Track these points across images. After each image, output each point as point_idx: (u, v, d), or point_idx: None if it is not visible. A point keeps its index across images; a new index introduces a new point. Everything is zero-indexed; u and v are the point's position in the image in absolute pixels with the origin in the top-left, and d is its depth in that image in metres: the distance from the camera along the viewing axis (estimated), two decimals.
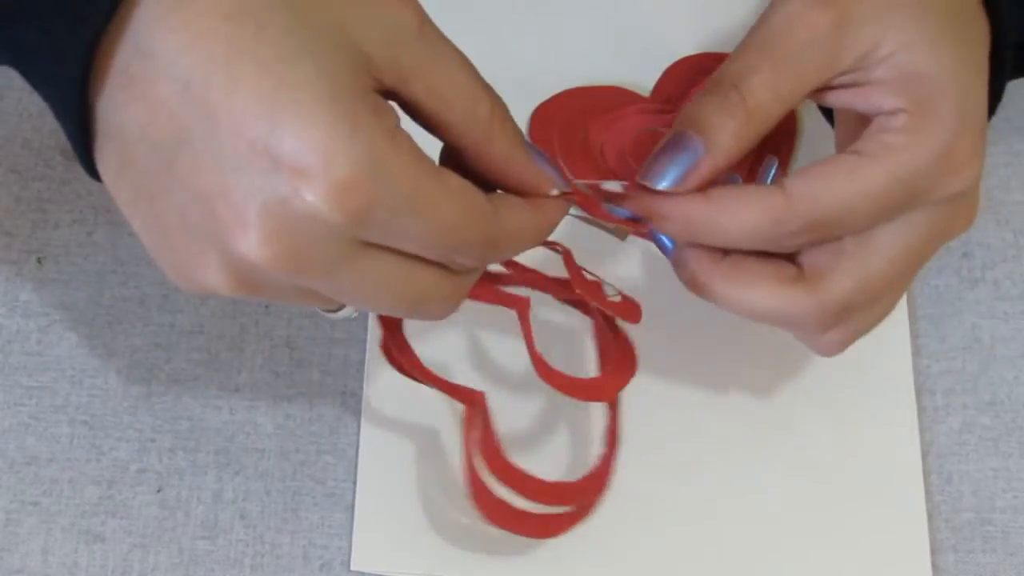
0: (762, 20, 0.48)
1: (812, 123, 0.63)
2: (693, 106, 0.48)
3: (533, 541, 0.55)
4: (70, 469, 0.56)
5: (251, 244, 0.41)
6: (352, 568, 0.55)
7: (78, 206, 0.61)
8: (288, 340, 0.59)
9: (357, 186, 0.40)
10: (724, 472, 0.57)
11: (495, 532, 0.55)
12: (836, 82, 0.48)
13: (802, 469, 0.57)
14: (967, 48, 0.48)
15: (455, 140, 0.45)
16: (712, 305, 0.57)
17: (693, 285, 0.49)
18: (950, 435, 0.58)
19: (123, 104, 0.42)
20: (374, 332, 0.58)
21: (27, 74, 0.45)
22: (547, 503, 0.52)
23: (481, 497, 0.52)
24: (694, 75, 0.63)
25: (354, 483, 0.56)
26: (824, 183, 0.47)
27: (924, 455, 0.58)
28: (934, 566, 0.56)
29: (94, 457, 0.56)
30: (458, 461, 0.56)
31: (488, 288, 0.52)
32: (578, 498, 0.53)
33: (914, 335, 0.60)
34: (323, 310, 0.48)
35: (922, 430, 0.58)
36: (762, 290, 0.48)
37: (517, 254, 0.47)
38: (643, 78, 0.64)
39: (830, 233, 0.47)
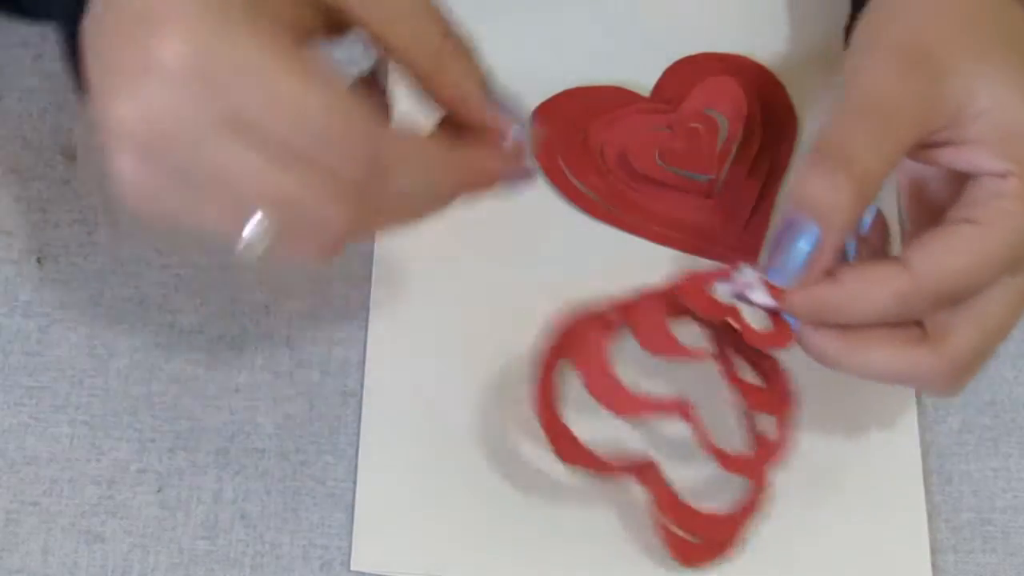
0: (850, 84, 0.48)
1: (813, 123, 0.63)
2: (800, 184, 0.47)
3: (533, 541, 0.55)
4: (70, 469, 0.56)
5: (120, 110, 0.42)
6: (352, 568, 0.55)
7: (78, 206, 0.61)
8: (288, 340, 0.59)
9: (217, 53, 0.41)
10: (723, 472, 0.57)
11: (495, 532, 0.55)
12: (932, 139, 0.48)
13: (802, 469, 0.57)
14: None
15: (406, 68, 0.45)
16: None
17: (822, 360, 0.50)
18: (950, 435, 0.58)
19: None
20: (374, 332, 0.59)
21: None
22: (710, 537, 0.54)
23: (679, 547, 0.54)
24: (694, 75, 0.63)
25: (354, 483, 0.56)
26: (948, 258, 0.48)
27: (924, 455, 0.58)
28: (934, 566, 0.56)
29: (94, 457, 0.56)
30: (458, 461, 0.56)
31: (639, 401, 0.52)
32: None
33: None
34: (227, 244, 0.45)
35: (922, 430, 0.58)
36: (891, 356, 0.50)
37: (422, 188, 0.45)
38: (643, 78, 0.64)
39: (955, 301, 0.49)
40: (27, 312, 0.59)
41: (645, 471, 0.54)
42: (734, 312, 0.51)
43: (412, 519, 0.56)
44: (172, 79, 0.41)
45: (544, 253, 0.61)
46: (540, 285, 0.60)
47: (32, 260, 0.60)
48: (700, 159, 0.60)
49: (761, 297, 0.50)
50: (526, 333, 0.59)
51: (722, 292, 0.51)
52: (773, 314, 0.51)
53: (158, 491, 0.56)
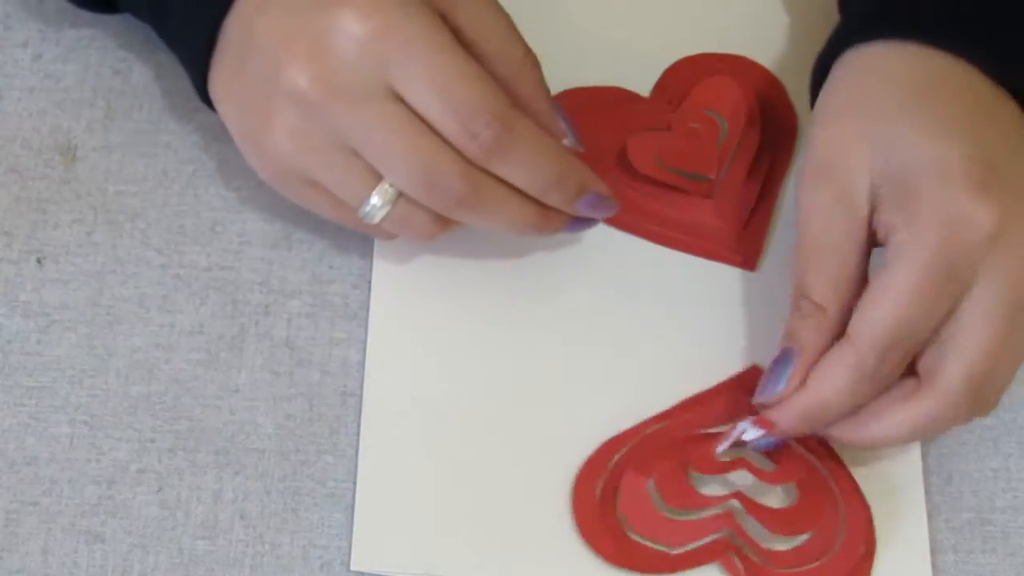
0: (795, 221, 0.55)
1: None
2: (787, 325, 0.54)
3: (532, 541, 0.55)
4: (70, 469, 0.56)
5: (294, 72, 0.51)
6: (352, 568, 0.55)
7: (78, 206, 0.61)
8: (288, 340, 0.59)
9: (393, 28, 0.50)
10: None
11: (495, 532, 0.55)
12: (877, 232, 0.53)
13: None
14: (941, 114, 0.53)
15: (489, 69, 0.52)
16: (705, 312, 0.58)
17: (844, 443, 0.55)
18: (950, 435, 0.58)
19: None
20: (374, 332, 0.58)
21: (167, 23, 0.56)
22: None
23: None
24: (694, 75, 0.63)
25: (354, 483, 0.56)
26: (872, 311, 0.51)
27: (924, 455, 0.58)
28: (934, 566, 0.56)
29: (94, 457, 0.56)
30: (458, 461, 0.56)
31: (688, 529, 0.55)
32: None
33: None
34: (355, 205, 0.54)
35: None
36: (896, 416, 0.53)
37: (529, 165, 0.53)
38: (643, 78, 0.64)
39: (912, 343, 0.52)
40: (27, 312, 0.59)
41: (720, 552, 0.55)
42: (744, 463, 0.55)
43: (412, 519, 0.55)
44: (352, 45, 0.51)
45: (544, 253, 0.61)
46: (540, 286, 0.60)
47: (32, 260, 0.60)
48: (700, 159, 0.60)
49: (753, 433, 0.54)
50: (526, 333, 0.59)
51: (722, 448, 0.55)
52: (777, 449, 0.55)
53: (158, 491, 0.56)
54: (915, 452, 0.58)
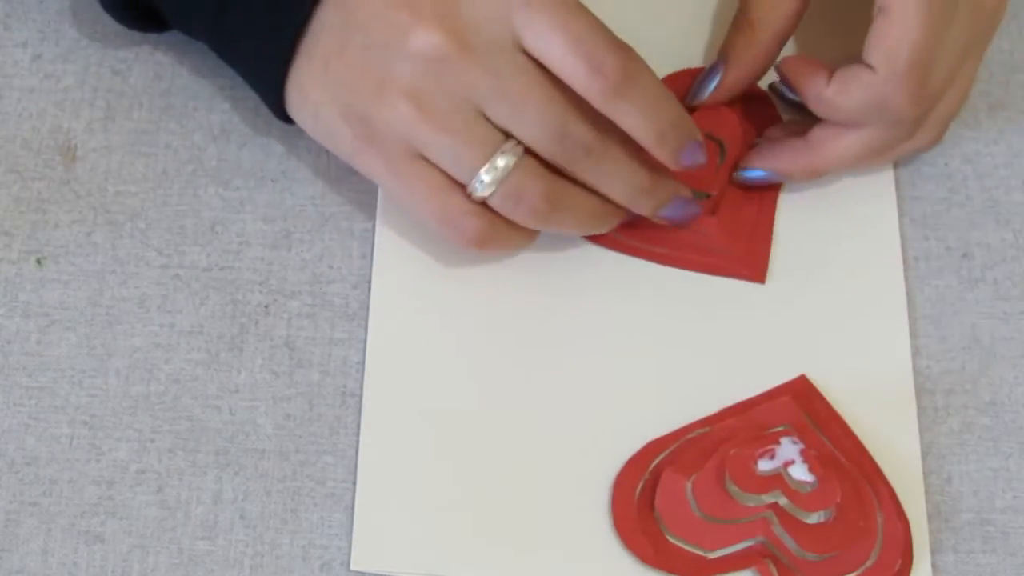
0: None
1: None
2: (725, 39, 0.60)
3: (532, 541, 0.55)
4: (70, 469, 0.56)
5: (425, 31, 0.52)
6: (352, 568, 0.55)
7: (78, 206, 0.61)
8: (288, 340, 0.59)
9: None
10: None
11: (495, 532, 0.55)
12: None
13: None
14: None
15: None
16: (702, 311, 0.58)
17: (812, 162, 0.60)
18: (950, 435, 0.58)
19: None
20: (374, 332, 0.58)
21: (229, 30, 0.57)
22: None
23: None
24: (681, 91, 0.62)
25: (354, 483, 0.56)
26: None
27: (924, 455, 0.58)
28: (934, 566, 0.56)
29: (94, 457, 0.56)
30: (458, 461, 0.56)
31: (725, 534, 0.55)
32: None
33: (914, 335, 0.60)
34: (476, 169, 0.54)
35: (922, 430, 0.58)
36: (849, 99, 0.57)
37: (651, 103, 0.54)
38: None
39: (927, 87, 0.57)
40: (27, 312, 0.59)
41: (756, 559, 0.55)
42: (780, 483, 0.55)
43: (412, 519, 0.55)
44: (479, 1, 0.53)
45: (544, 255, 0.61)
46: (540, 287, 0.60)
47: (32, 260, 0.60)
48: (703, 177, 0.60)
49: (802, 474, 0.54)
50: (526, 332, 0.59)
51: (764, 467, 0.55)
52: (817, 475, 0.55)
53: (158, 491, 0.56)
54: (915, 452, 0.58)
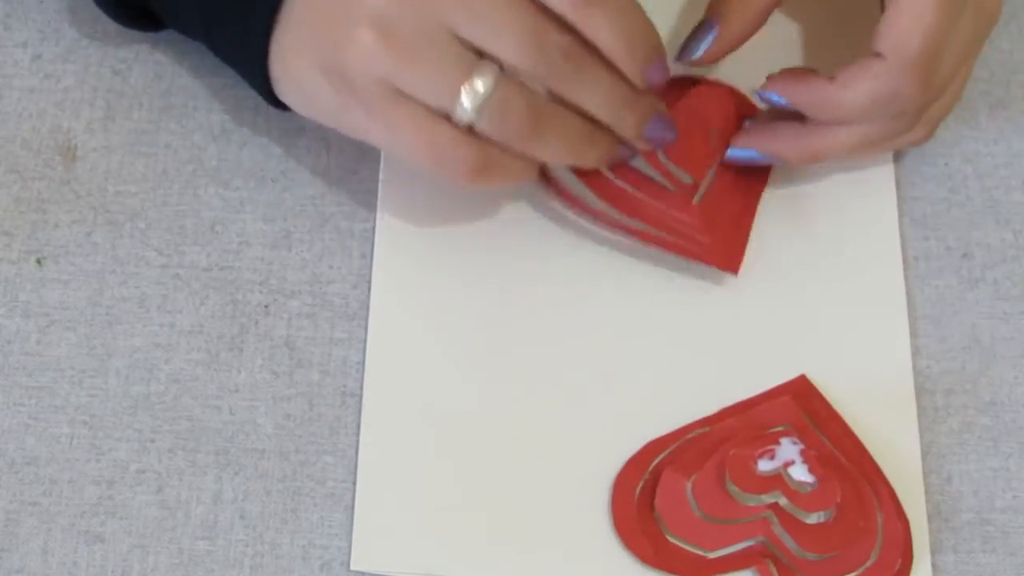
0: None
1: None
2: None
3: (532, 542, 0.55)
4: (70, 469, 0.56)
5: None
6: (352, 568, 0.55)
7: (78, 206, 0.61)
8: (288, 340, 0.59)
9: None
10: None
11: (495, 532, 0.55)
12: None
13: None
14: None
15: None
16: (702, 311, 0.58)
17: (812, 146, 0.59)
18: (950, 435, 0.58)
19: None
20: (374, 332, 0.59)
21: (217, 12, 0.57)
22: None
23: None
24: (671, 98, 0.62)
25: (354, 483, 0.56)
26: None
27: (924, 455, 0.58)
28: (934, 566, 0.56)
29: (94, 457, 0.56)
30: (458, 461, 0.56)
31: (725, 533, 0.55)
32: None
33: (914, 335, 0.60)
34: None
35: (922, 430, 0.58)
36: (859, 88, 0.56)
37: (624, 13, 0.54)
38: None
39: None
40: (27, 312, 0.59)
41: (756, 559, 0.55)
42: (780, 483, 0.55)
43: (412, 519, 0.55)
44: None
45: (543, 255, 0.61)
46: (539, 285, 0.60)
47: (32, 260, 0.60)
48: (689, 154, 0.59)
49: (802, 474, 0.54)
50: (526, 333, 0.59)
51: (764, 468, 0.55)
52: (817, 476, 0.55)
53: (158, 491, 0.56)
54: (915, 452, 0.58)
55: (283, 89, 0.57)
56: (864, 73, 0.56)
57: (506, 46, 0.52)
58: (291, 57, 0.55)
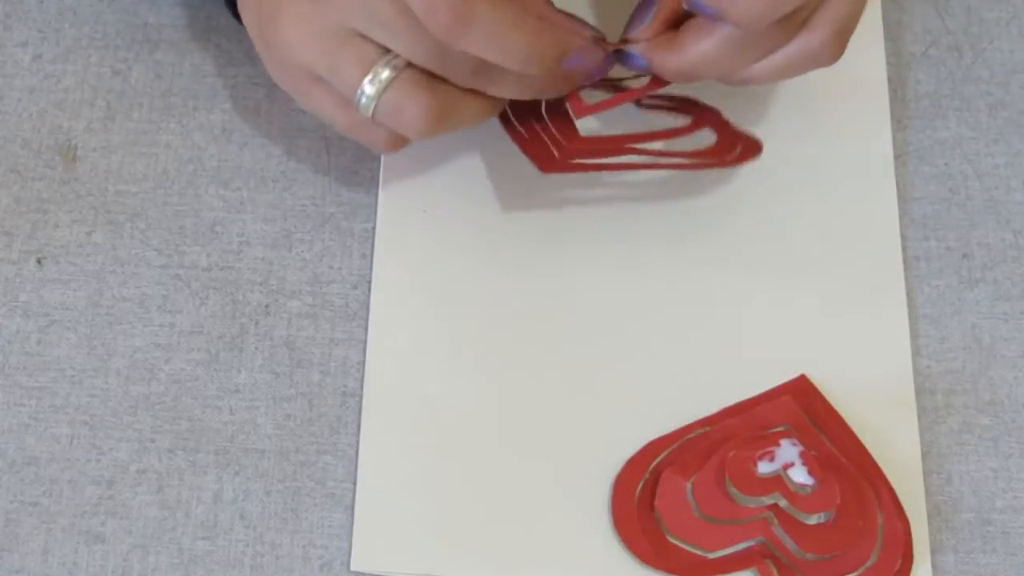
0: None
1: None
2: None
3: (532, 542, 0.55)
4: (70, 469, 0.56)
5: None
6: (352, 568, 0.55)
7: (78, 206, 0.61)
8: (288, 340, 0.59)
9: None
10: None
11: (495, 532, 0.55)
12: None
13: None
14: None
15: None
16: (703, 310, 0.58)
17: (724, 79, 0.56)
18: (950, 435, 0.58)
19: None
20: (374, 332, 0.59)
21: None
22: None
23: None
24: None
25: (354, 483, 0.56)
26: None
27: (924, 455, 0.58)
28: (934, 566, 0.56)
29: (94, 457, 0.56)
30: (458, 461, 0.56)
31: (725, 534, 0.55)
32: None
33: (914, 335, 0.60)
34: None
35: (922, 430, 0.58)
36: (788, 50, 0.55)
37: (499, 45, 0.52)
38: None
39: None
40: (27, 312, 0.59)
41: (756, 559, 0.55)
42: (780, 485, 0.55)
43: (412, 519, 0.55)
44: None
45: (544, 254, 0.61)
46: (540, 285, 0.60)
47: (32, 260, 0.60)
48: None
49: (802, 476, 0.54)
50: (526, 332, 0.59)
51: (764, 469, 0.55)
52: (816, 478, 0.55)
53: (158, 491, 0.56)
54: (915, 452, 0.58)
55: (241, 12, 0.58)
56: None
57: (407, 52, 0.54)
58: (242, 6, 0.57)
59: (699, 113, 0.60)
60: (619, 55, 0.57)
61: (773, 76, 0.56)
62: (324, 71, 0.55)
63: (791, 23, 0.54)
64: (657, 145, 0.60)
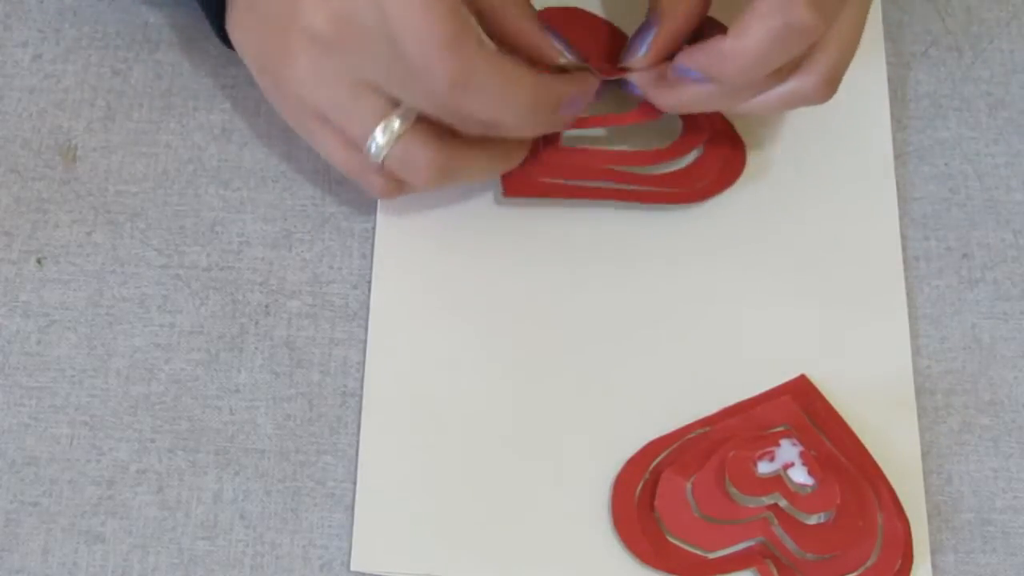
0: None
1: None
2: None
3: (533, 542, 0.55)
4: (70, 469, 0.56)
5: (311, 12, 0.53)
6: (352, 568, 0.55)
7: (78, 206, 0.61)
8: (288, 340, 0.59)
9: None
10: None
11: (495, 532, 0.55)
12: None
13: None
14: None
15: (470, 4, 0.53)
16: (702, 310, 0.58)
17: (733, 100, 0.57)
18: (950, 435, 0.58)
19: None
20: (374, 332, 0.59)
21: None
22: None
23: None
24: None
25: (354, 483, 0.56)
26: None
27: (924, 455, 0.58)
28: (934, 566, 0.56)
29: (94, 457, 0.56)
30: (458, 461, 0.56)
31: (725, 534, 0.56)
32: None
33: (914, 335, 0.60)
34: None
35: (922, 430, 0.58)
36: (782, 88, 0.56)
37: (500, 103, 0.53)
38: None
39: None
40: (27, 312, 0.59)
41: (756, 559, 0.55)
42: (780, 485, 0.55)
43: (412, 519, 0.55)
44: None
45: (544, 254, 0.61)
46: (540, 285, 0.60)
47: (32, 260, 0.60)
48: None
49: (802, 476, 0.55)
50: (526, 333, 0.59)
51: (764, 470, 0.55)
52: (816, 478, 0.55)
53: (158, 491, 0.56)
54: (915, 452, 0.58)
55: (234, 42, 0.58)
56: (752, 15, 0.54)
57: (419, 105, 0.54)
58: (234, 31, 0.57)
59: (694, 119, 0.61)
60: (617, 80, 0.58)
61: (767, 111, 0.58)
62: (334, 116, 0.55)
63: (783, 70, 0.55)
64: (641, 169, 0.60)
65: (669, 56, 0.57)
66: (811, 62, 0.56)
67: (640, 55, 0.58)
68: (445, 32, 0.51)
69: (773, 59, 0.54)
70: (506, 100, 0.54)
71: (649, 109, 0.59)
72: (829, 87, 0.56)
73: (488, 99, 0.53)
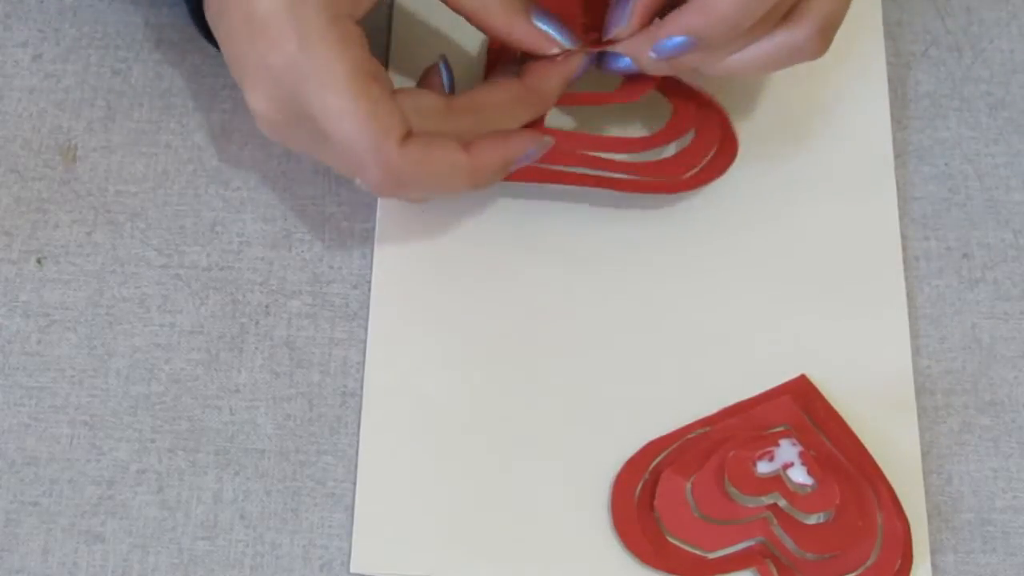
0: None
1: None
2: None
3: (533, 542, 0.55)
4: (70, 469, 0.56)
5: (252, 95, 0.53)
6: (352, 569, 0.55)
7: (78, 206, 0.61)
8: (288, 340, 0.59)
9: (296, 59, 0.52)
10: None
11: (495, 533, 0.55)
12: None
13: None
14: None
15: (453, 5, 0.54)
16: (702, 310, 0.58)
17: (704, 71, 0.56)
18: (950, 435, 0.58)
19: None
20: (374, 332, 0.59)
21: None
22: None
23: None
24: None
25: (354, 483, 0.56)
26: None
27: (924, 455, 0.58)
28: (934, 566, 0.56)
29: (94, 457, 0.56)
30: (458, 462, 0.56)
31: (724, 535, 0.56)
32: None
33: (914, 335, 0.60)
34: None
35: (922, 430, 0.58)
36: (771, 41, 0.55)
37: (439, 190, 0.55)
38: None
39: None
40: (27, 312, 0.59)
41: (756, 559, 0.55)
42: (779, 485, 0.55)
43: (412, 519, 0.55)
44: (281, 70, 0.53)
45: (544, 254, 0.61)
46: (540, 285, 0.60)
47: (32, 260, 0.60)
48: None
49: (801, 476, 0.55)
50: (526, 332, 0.59)
51: (763, 469, 0.55)
52: (816, 478, 0.55)
53: (158, 491, 0.56)
54: (915, 452, 0.58)
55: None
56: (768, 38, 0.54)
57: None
58: (214, 27, 0.56)
59: (683, 100, 0.61)
60: (599, 58, 0.57)
61: (756, 68, 0.56)
62: (313, 153, 0.56)
63: (770, 18, 0.54)
64: (622, 156, 0.60)
65: (651, 19, 0.56)
66: (802, 11, 0.55)
67: (623, 25, 0.56)
68: (369, 137, 0.52)
69: (751, 10, 0.53)
70: (442, 185, 0.55)
71: (633, 87, 0.58)
72: (822, 38, 0.55)
73: (424, 187, 0.54)
